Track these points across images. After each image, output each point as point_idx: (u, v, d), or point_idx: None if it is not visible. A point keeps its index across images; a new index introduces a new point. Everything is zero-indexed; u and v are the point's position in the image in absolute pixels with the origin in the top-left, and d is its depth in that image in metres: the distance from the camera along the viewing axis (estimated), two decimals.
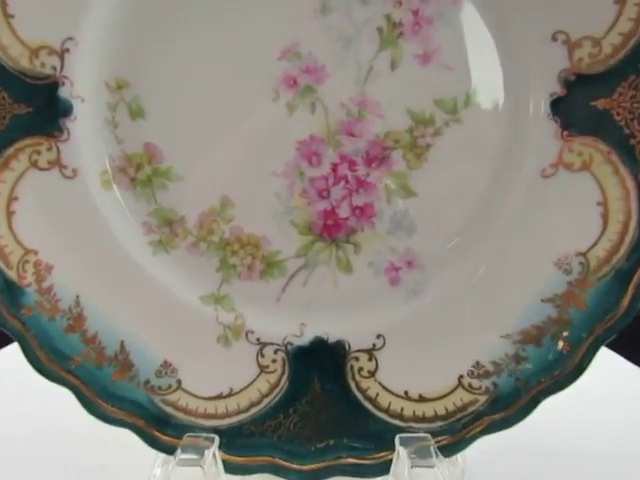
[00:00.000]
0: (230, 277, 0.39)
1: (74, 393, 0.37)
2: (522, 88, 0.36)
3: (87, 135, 0.37)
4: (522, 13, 0.36)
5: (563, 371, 0.35)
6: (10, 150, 0.36)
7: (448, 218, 0.38)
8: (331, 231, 0.38)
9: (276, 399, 0.38)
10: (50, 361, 0.36)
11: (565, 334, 0.36)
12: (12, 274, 0.36)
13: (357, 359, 0.38)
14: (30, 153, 0.36)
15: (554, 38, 0.35)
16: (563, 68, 0.35)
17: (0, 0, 0.35)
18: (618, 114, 0.35)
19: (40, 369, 0.36)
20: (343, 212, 0.38)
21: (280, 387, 0.38)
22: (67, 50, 0.36)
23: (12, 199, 0.36)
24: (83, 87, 0.37)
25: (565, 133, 0.36)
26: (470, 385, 0.37)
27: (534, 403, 0.36)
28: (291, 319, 0.38)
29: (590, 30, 0.35)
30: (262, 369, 0.38)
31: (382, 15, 0.37)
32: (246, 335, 0.38)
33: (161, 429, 0.37)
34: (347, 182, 0.38)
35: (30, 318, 0.36)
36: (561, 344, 0.36)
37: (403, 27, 0.37)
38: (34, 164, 0.36)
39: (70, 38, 0.36)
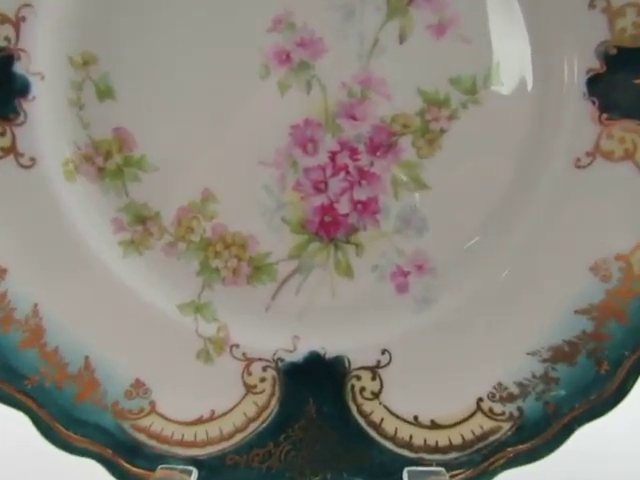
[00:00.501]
0: (212, 282, 0.34)
1: (29, 417, 0.32)
2: (553, 64, 0.31)
3: (47, 118, 0.32)
4: None
5: (601, 395, 0.31)
6: None
7: (465, 215, 0.33)
8: (329, 229, 0.34)
9: (265, 424, 0.34)
10: (1, 380, 0.31)
11: (604, 351, 0.31)
12: None
13: (359, 378, 0.34)
14: None
15: (592, 5, 0.30)
16: (602, 40, 0.30)
17: None
18: None
19: None
20: (343, 208, 0.33)
21: (270, 410, 0.33)
22: (23, 19, 0.31)
23: None
24: (43, 62, 0.32)
25: (604, 116, 0.31)
26: (491, 410, 0.32)
27: (567, 432, 0.32)
28: (282, 331, 0.34)
29: None
30: (249, 389, 0.34)
31: None
32: (230, 349, 0.34)
33: (131, 460, 0.33)
34: (348, 173, 0.33)
35: None
36: (599, 363, 0.31)
37: None
38: None
39: (27, 4, 0.31)
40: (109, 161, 0.33)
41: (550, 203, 0.32)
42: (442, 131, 0.33)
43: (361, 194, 0.34)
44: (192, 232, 0.34)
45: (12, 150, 0.32)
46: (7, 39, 0.31)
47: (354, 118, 0.33)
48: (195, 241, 0.34)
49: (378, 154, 0.33)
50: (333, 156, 0.33)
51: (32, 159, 0.33)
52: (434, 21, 0.32)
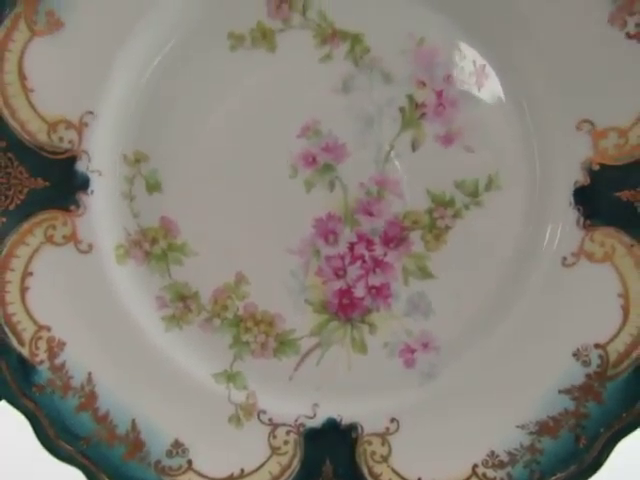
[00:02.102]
0: (243, 354, 0.38)
1: (85, 474, 0.36)
2: (545, 175, 0.36)
3: (103, 209, 0.37)
4: (548, 100, 0.35)
5: (580, 466, 0.35)
6: (25, 225, 0.36)
7: (466, 302, 0.37)
8: (346, 310, 0.38)
9: None
10: (61, 441, 0.35)
11: (583, 428, 0.35)
12: (25, 351, 0.36)
13: (370, 443, 0.37)
14: (46, 228, 0.36)
15: (579, 127, 0.35)
16: (587, 157, 0.35)
17: (19, 73, 0.34)
18: None
19: (51, 449, 0.36)
20: (359, 292, 0.38)
21: (292, 470, 0.37)
22: (86, 124, 0.36)
23: (26, 274, 0.36)
24: (101, 160, 0.37)
25: (587, 222, 0.35)
26: (485, 475, 0.36)
27: None
28: (304, 399, 0.38)
29: (616, 121, 0.34)
30: (274, 450, 0.37)
31: (405, 95, 0.36)
32: (258, 415, 0.38)
33: None
34: (364, 262, 0.38)
35: (42, 396, 0.36)
36: (578, 438, 0.35)
37: (426, 108, 0.36)
38: (49, 239, 0.36)
39: (89, 112, 0.36)
40: (155, 246, 0.38)
41: (540, 295, 0.37)
42: (447, 228, 0.37)
43: (375, 280, 0.38)
44: (226, 310, 0.38)
45: (72, 238, 0.37)
46: (71, 142, 0.36)
47: (371, 214, 0.38)
48: (229, 318, 0.38)
49: (391, 246, 0.38)
50: (351, 247, 0.38)
51: (89, 245, 0.37)
52: (442, 133, 0.37)
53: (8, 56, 0.34)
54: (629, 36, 0.33)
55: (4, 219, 0.35)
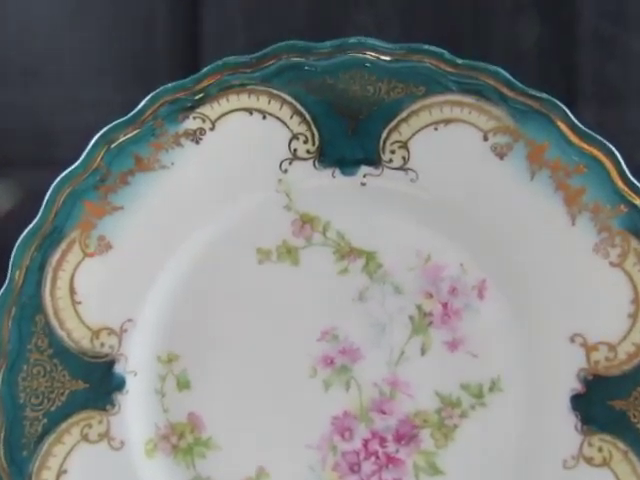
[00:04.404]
0: None
1: None
2: (544, 381, 0.39)
3: (136, 406, 0.40)
4: (544, 313, 0.39)
5: None
6: (64, 425, 0.38)
7: None
8: None
9: None
10: None
11: None
12: None
13: None
14: (82, 427, 0.39)
15: (572, 340, 0.39)
16: (582, 367, 0.38)
17: (70, 289, 0.38)
18: (634, 416, 0.37)
19: None
20: None
21: None
22: (125, 330, 0.39)
23: (61, 472, 0.39)
24: (136, 362, 0.40)
25: (585, 427, 0.38)
26: None
27: None
28: None
29: (606, 336, 0.38)
30: None
31: (414, 305, 0.40)
32: None
33: None
34: (377, 457, 0.40)
35: None
36: None
37: (433, 317, 0.40)
38: (85, 437, 0.39)
39: (130, 319, 0.39)
40: (182, 440, 0.41)
41: None
42: (455, 426, 0.40)
43: (388, 476, 0.41)
44: None
45: (106, 435, 0.39)
46: (111, 347, 0.39)
47: (383, 412, 0.41)
48: None
49: (402, 443, 0.41)
50: (366, 443, 0.41)
51: (122, 442, 0.40)
52: (449, 339, 0.40)
53: (61, 275, 0.38)
54: (612, 265, 0.38)
55: (45, 420, 0.38)
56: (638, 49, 0.51)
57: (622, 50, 0.52)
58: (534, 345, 0.39)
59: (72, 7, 0.53)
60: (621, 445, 0.38)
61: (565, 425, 0.39)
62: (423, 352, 0.40)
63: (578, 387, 0.38)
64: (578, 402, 0.39)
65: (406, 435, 0.41)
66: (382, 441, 0.41)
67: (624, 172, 0.36)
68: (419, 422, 0.40)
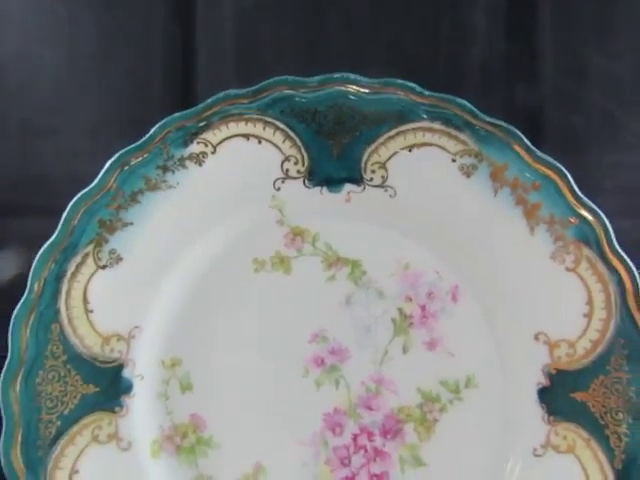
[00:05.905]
0: None
1: None
2: (514, 376, 0.43)
3: (142, 409, 0.43)
4: (510, 314, 0.43)
5: None
6: (76, 427, 0.41)
7: None
8: None
9: None
10: None
11: None
12: None
13: None
14: (93, 428, 0.42)
15: (537, 338, 0.43)
16: (546, 363, 0.42)
17: (83, 299, 0.42)
18: (594, 406, 0.41)
19: None
20: (362, 479, 0.43)
21: None
22: (133, 336, 0.43)
23: (73, 472, 0.41)
24: (143, 366, 0.43)
25: (551, 418, 0.42)
26: None
27: None
28: None
29: (566, 334, 0.42)
30: None
31: (396, 308, 0.45)
32: None
33: None
34: (366, 451, 0.44)
35: None
36: None
37: (413, 319, 0.45)
38: (95, 438, 0.42)
39: (137, 326, 0.43)
40: (185, 440, 0.44)
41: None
42: (435, 420, 0.44)
43: (376, 468, 0.44)
44: None
45: (115, 436, 0.42)
46: (120, 352, 0.43)
47: (370, 408, 0.44)
48: None
49: (389, 437, 0.44)
50: (355, 438, 0.44)
51: (129, 443, 0.43)
52: (427, 339, 0.45)
53: (76, 286, 0.42)
54: (568, 270, 0.42)
55: (59, 423, 0.41)
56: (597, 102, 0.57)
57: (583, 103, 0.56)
58: (503, 344, 0.44)
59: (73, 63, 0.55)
60: (583, 433, 0.41)
61: (533, 416, 0.42)
62: (405, 351, 0.44)
63: (543, 381, 0.42)
64: (544, 395, 0.42)
65: (391, 429, 0.44)
66: (370, 435, 0.44)
67: (574, 189, 0.41)
68: (403, 417, 0.44)
